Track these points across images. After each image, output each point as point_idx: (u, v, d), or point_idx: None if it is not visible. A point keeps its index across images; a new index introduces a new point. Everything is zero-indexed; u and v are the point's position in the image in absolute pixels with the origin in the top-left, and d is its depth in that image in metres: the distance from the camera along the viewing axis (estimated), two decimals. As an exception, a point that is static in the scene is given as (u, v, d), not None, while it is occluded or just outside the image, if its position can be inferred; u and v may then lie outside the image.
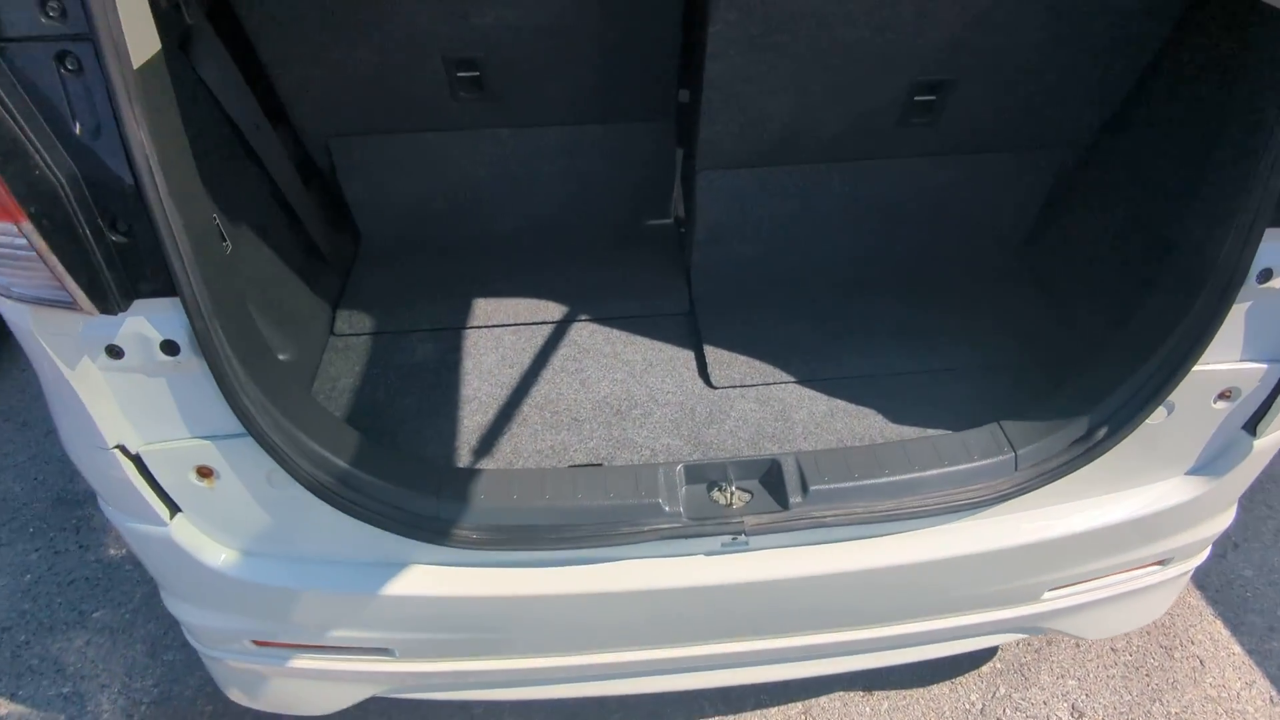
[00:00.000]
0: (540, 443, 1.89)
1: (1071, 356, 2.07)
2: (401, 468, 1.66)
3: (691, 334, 2.18)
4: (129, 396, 1.45)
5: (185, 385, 1.43)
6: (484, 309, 2.25)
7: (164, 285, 1.29)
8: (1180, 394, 1.62)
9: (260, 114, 1.96)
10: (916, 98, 1.91)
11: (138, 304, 1.32)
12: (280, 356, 1.95)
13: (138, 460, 1.52)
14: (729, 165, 2.08)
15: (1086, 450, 1.66)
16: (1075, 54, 1.82)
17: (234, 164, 1.91)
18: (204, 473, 1.56)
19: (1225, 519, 1.97)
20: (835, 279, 2.30)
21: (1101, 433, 1.65)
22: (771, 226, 2.22)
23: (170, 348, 1.37)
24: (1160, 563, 1.99)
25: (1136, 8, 1.73)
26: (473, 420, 1.95)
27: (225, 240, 1.80)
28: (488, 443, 1.90)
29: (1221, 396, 1.67)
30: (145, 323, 1.34)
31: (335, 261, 2.33)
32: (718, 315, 2.21)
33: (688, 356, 2.11)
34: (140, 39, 1.21)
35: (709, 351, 2.09)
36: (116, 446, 1.49)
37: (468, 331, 2.20)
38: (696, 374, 2.06)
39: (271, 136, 2.01)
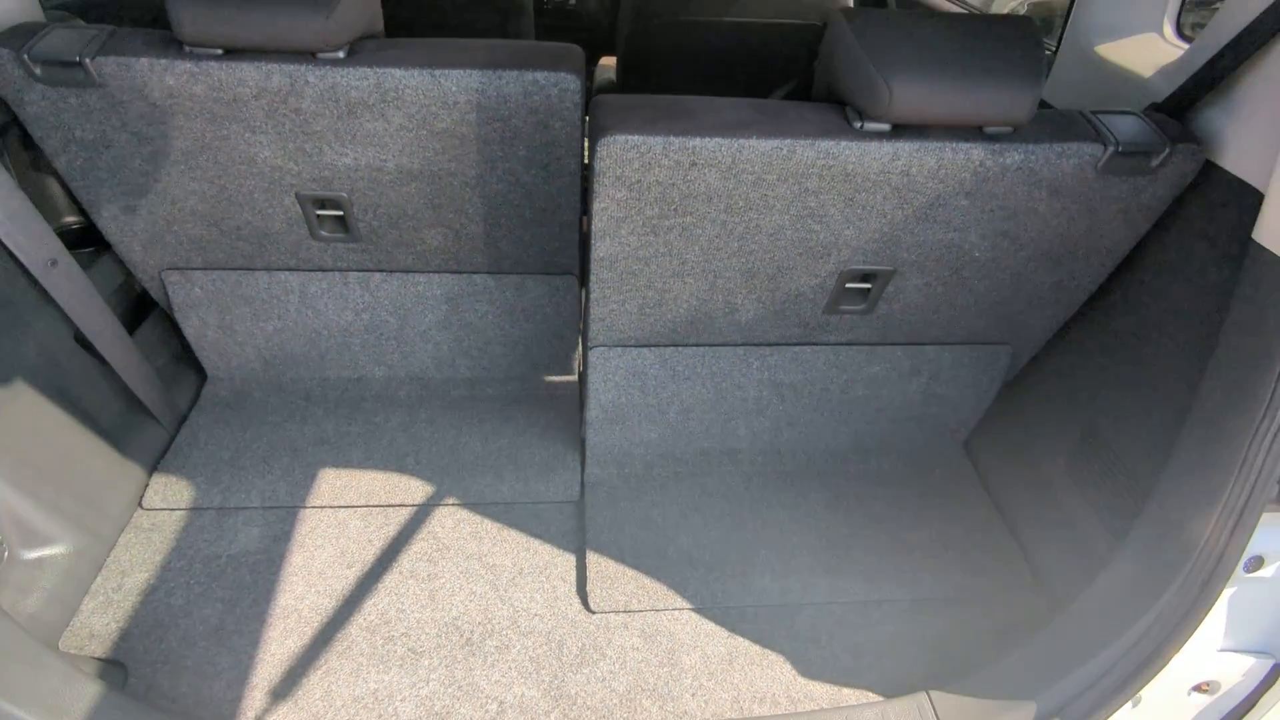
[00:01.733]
0: (360, 686, 1.50)
1: (1018, 592, 1.76)
2: (156, 736, 1.26)
3: (577, 531, 1.83)
4: None
5: None
6: (331, 483, 1.87)
7: None
8: (1150, 686, 1.31)
9: (60, 248, 1.61)
10: (848, 285, 1.63)
11: None
12: (48, 552, 1.55)
13: None
14: (627, 344, 1.76)
15: (1034, 748, 1.34)
16: (1031, 254, 1.56)
17: (10, 314, 1.55)
18: None
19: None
20: (751, 471, 1.97)
21: (1053, 728, 1.33)
22: (679, 409, 1.90)
23: None
24: None
25: (1108, 211, 1.47)
26: (283, 646, 1.55)
27: None
28: (294, 681, 1.50)
29: (1198, 690, 1.36)
30: None
31: (164, 412, 1.95)
32: (610, 511, 1.86)
33: (567, 564, 1.75)
34: None
35: (592, 561, 1.73)
36: None
37: (306, 513, 1.81)
38: (574, 589, 1.70)
39: (75, 274, 1.65)
